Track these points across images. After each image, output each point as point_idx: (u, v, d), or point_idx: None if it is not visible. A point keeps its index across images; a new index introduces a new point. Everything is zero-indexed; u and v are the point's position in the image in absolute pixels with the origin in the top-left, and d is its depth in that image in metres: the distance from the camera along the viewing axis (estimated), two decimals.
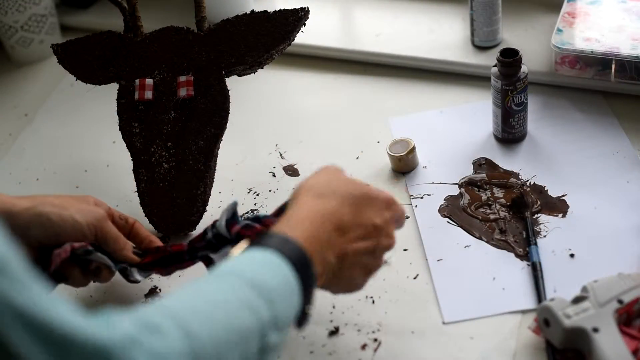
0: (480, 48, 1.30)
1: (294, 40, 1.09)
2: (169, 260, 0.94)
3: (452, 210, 1.07)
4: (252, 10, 1.09)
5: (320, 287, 0.80)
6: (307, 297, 0.75)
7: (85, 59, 1.16)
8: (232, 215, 0.89)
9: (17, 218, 0.88)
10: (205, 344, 0.63)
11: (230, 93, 1.09)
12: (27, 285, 0.56)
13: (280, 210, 0.87)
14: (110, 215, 0.97)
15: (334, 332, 0.94)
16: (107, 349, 0.57)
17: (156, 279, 1.04)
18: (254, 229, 0.86)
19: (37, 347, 0.55)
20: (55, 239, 0.91)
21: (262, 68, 1.11)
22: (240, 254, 0.76)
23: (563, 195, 1.07)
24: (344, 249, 0.80)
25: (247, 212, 1.12)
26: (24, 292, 0.55)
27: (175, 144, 1.08)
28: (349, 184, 0.85)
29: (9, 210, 0.88)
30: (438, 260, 1.01)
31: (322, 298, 0.98)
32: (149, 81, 1.10)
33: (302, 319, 0.76)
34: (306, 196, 0.82)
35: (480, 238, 1.03)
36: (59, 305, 0.58)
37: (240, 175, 1.18)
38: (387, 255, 1.02)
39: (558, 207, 1.05)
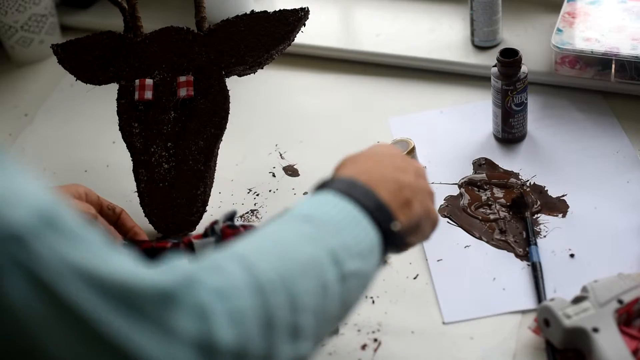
0: (480, 48, 1.30)
1: (294, 40, 1.09)
2: (151, 255, 0.94)
3: (452, 210, 1.07)
4: (252, 11, 1.09)
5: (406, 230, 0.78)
6: (383, 217, 0.73)
7: (85, 59, 1.16)
8: (229, 219, 0.90)
9: None
10: (268, 274, 0.62)
11: (230, 93, 1.09)
12: (82, 238, 0.55)
13: None
14: (98, 206, 0.96)
15: (334, 332, 0.94)
16: (169, 290, 0.56)
17: None
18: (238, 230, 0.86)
19: (100, 301, 0.54)
20: None
21: (262, 68, 1.11)
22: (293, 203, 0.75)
23: (563, 195, 1.07)
24: (399, 178, 0.78)
25: (247, 212, 1.12)
26: (79, 246, 0.54)
27: (175, 144, 1.08)
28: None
29: None
30: (438, 261, 1.01)
31: None
32: (148, 81, 1.10)
33: (392, 240, 0.74)
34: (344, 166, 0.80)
35: (480, 238, 1.03)
36: (117, 255, 0.57)
37: (240, 176, 1.18)
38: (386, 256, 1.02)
39: (558, 207, 1.05)
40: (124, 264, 0.56)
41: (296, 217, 0.70)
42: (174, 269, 0.59)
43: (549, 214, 1.04)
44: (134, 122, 1.11)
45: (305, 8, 1.08)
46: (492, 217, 1.05)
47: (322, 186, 0.75)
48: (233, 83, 1.10)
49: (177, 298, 0.57)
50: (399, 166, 0.79)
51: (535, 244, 1.00)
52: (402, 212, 0.75)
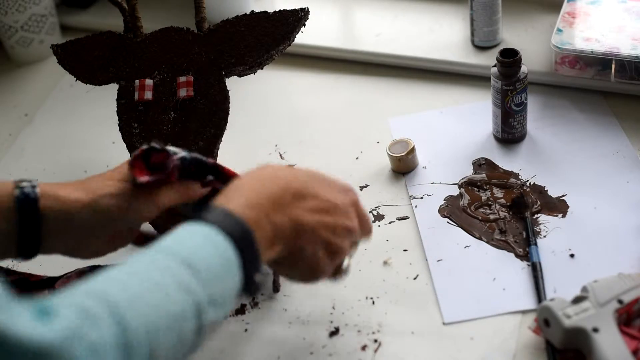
0: (480, 48, 1.30)
1: (293, 40, 1.09)
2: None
3: (452, 210, 1.07)
4: (252, 11, 1.09)
5: (279, 263, 0.79)
6: (252, 266, 0.72)
7: (85, 60, 1.16)
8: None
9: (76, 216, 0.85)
10: (138, 331, 0.62)
11: (230, 93, 1.09)
12: None
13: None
14: None
15: (334, 332, 0.94)
16: (49, 347, 0.57)
17: None
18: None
19: None
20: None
21: (262, 68, 1.11)
22: (177, 231, 0.72)
23: (563, 195, 1.07)
24: (298, 215, 0.78)
25: None
26: None
27: (175, 144, 1.08)
28: (306, 170, 0.84)
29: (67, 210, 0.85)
30: (438, 261, 1.01)
31: (322, 299, 0.98)
32: (148, 82, 1.10)
33: (251, 287, 0.73)
34: (245, 176, 0.80)
35: (480, 238, 1.03)
36: (11, 309, 0.58)
37: None
38: (386, 256, 1.02)
39: (558, 207, 1.05)
40: (12, 318, 0.57)
41: (177, 258, 0.68)
42: (55, 320, 0.59)
43: (549, 214, 1.04)
44: (133, 123, 1.11)
45: (305, 8, 1.08)
46: (492, 217, 1.05)
47: (205, 214, 0.73)
48: (233, 83, 1.10)
49: (55, 355, 0.58)
50: (298, 191, 0.79)
51: (535, 244, 1.00)
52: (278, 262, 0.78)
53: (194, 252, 0.69)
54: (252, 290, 0.74)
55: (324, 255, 0.80)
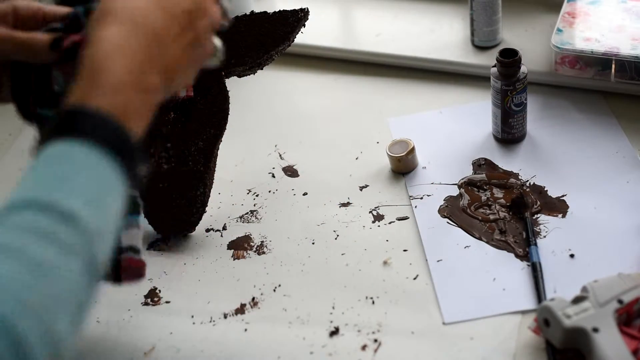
0: (480, 48, 1.30)
1: (293, 41, 1.09)
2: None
3: (451, 210, 1.07)
4: (252, 11, 1.10)
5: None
6: (133, 164, 0.63)
7: None
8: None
9: None
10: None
11: (230, 94, 1.09)
12: None
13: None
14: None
15: (334, 332, 0.94)
16: None
17: (156, 279, 1.04)
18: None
19: None
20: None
21: (262, 69, 1.11)
22: (44, 162, 0.61)
23: (563, 196, 1.07)
24: (166, 64, 0.69)
25: (247, 213, 1.12)
26: None
27: (174, 144, 1.08)
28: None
29: None
30: (438, 261, 1.01)
31: (322, 299, 0.98)
32: None
33: (135, 182, 0.64)
34: (99, 24, 0.66)
35: (480, 238, 1.03)
36: None
37: (240, 176, 1.18)
38: (386, 256, 1.02)
39: (558, 207, 1.05)
40: None
41: (53, 214, 0.57)
42: None
43: (549, 214, 1.04)
44: None
45: (305, 9, 1.08)
46: (492, 217, 1.05)
47: (74, 123, 0.61)
48: (233, 83, 1.11)
49: None
50: (158, 35, 0.68)
51: (535, 244, 1.00)
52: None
53: (69, 194, 0.58)
54: (137, 183, 0.65)
55: (196, 65, 0.75)
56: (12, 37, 0.78)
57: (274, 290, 1.01)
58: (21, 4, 0.81)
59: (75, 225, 0.58)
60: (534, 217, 1.04)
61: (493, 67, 1.12)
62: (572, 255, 0.99)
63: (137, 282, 0.87)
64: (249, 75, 1.11)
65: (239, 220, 1.11)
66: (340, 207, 1.11)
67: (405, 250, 1.03)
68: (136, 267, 0.86)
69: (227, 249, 1.08)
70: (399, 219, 1.08)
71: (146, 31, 0.67)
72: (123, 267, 0.85)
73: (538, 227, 1.03)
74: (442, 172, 1.13)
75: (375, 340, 0.93)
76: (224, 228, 1.10)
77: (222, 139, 1.08)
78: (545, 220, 1.04)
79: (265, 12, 1.08)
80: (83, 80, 0.63)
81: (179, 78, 0.73)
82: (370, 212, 1.09)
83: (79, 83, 0.63)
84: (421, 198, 1.10)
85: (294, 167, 1.18)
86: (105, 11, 0.67)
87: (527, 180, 1.10)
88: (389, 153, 1.13)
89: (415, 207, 1.08)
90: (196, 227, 1.09)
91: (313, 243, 1.06)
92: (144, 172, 0.65)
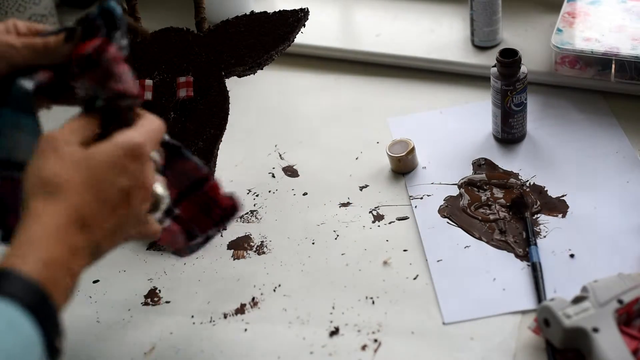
0: (480, 48, 1.30)
1: (293, 41, 1.09)
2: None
3: (451, 210, 1.07)
4: (252, 11, 1.10)
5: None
6: (54, 333, 0.66)
7: None
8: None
9: None
10: None
11: (230, 94, 1.09)
12: None
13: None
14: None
15: (334, 332, 0.94)
16: None
17: (156, 279, 1.04)
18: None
19: None
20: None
21: (262, 69, 1.11)
22: None
23: (563, 196, 1.07)
24: (96, 242, 0.71)
25: (247, 213, 1.12)
26: None
27: None
28: (78, 159, 0.71)
29: None
30: (438, 261, 1.01)
31: (322, 299, 0.98)
32: (148, 82, 1.10)
33: (53, 353, 0.66)
34: (36, 200, 0.69)
35: (480, 238, 1.03)
36: None
37: (240, 176, 1.18)
38: (386, 256, 1.02)
39: (558, 207, 1.05)
40: None
41: None
42: None
43: (549, 214, 1.04)
44: None
45: (305, 9, 1.08)
46: (492, 217, 1.05)
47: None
48: (233, 84, 1.11)
49: None
50: (87, 218, 0.70)
51: (535, 244, 1.00)
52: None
53: None
54: (55, 355, 0.67)
55: (131, 233, 0.76)
56: (30, 42, 0.80)
57: (274, 290, 1.01)
58: (18, 21, 0.84)
59: None
60: (534, 217, 1.04)
61: (493, 67, 1.12)
62: (572, 255, 0.99)
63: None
64: (249, 75, 1.11)
65: (239, 220, 1.11)
66: (340, 207, 1.11)
67: (405, 250, 1.03)
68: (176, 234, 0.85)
69: (227, 249, 1.08)
70: (399, 219, 1.08)
71: (78, 216, 0.69)
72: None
73: (538, 227, 1.03)
74: (442, 172, 1.13)
75: (375, 340, 0.93)
76: (224, 228, 1.10)
77: (222, 139, 1.08)
78: (545, 220, 1.04)
79: (265, 12, 1.08)
80: (19, 247, 0.67)
81: (112, 247, 0.74)
82: (370, 212, 1.09)
83: (12, 247, 0.67)
84: (421, 198, 1.10)
85: (294, 167, 1.18)
86: (47, 182, 0.70)
87: (527, 180, 1.10)
88: (389, 153, 1.13)
89: (415, 207, 1.08)
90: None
91: (313, 243, 1.06)
92: (60, 344, 0.67)
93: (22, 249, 0.67)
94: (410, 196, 1.10)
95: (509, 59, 1.09)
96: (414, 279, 1.00)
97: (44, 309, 0.65)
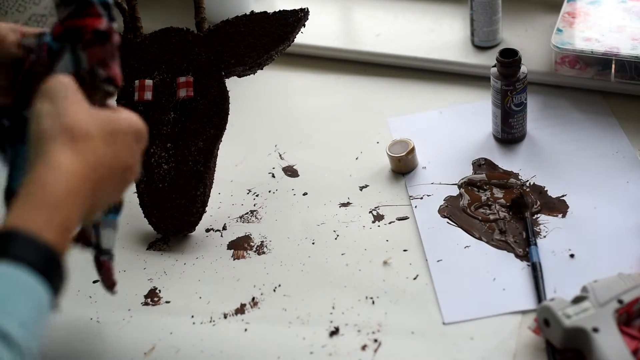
0: (480, 48, 1.30)
1: (293, 41, 1.09)
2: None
3: (451, 210, 1.07)
4: (252, 11, 1.10)
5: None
6: (60, 286, 0.65)
7: None
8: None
9: None
10: None
11: (229, 94, 1.09)
12: None
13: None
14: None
15: (334, 332, 0.94)
16: None
17: (156, 279, 1.04)
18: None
19: None
20: None
21: (262, 69, 1.11)
22: None
23: (563, 196, 1.07)
24: (94, 205, 0.69)
25: (247, 213, 1.12)
26: None
27: (174, 145, 1.08)
28: (102, 117, 0.70)
29: None
30: (438, 261, 1.01)
31: (322, 299, 0.98)
32: (148, 82, 1.10)
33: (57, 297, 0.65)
34: (56, 145, 0.65)
35: (480, 238, 1.03)
36: None
37: (240, 176, 1.18)
38: (386, 256, 1.02)
39: (558, 207, 1.05)
40: None
41: None
42: None
43: (549, 214, 1.04)
44: None
45: (305, 9, 1.08)
46: (492, 217, 1.05)
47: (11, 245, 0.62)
48: (233, 84, 1.11)
49: None
50: (100, 180, 0.68)
51: (535, 244, 1.00)
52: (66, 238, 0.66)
53: (7, 315, 0.60)
54: (59, 297, 0.66)
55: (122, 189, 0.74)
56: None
57: (274, 290, 1.01)
58: (12, 25, 0.83)
59: (11, 346, 0.59)
60: (534, 217, 1.04)
61: (493, 67, 1.12)
62: (572, 255, 0.99)
63: (110, 290, 0.87)
64: (249, 75, 1.11)
65: (239, 220, 1.11)
66: (340, 207, 1.11)
67: (405, 250, 1.03)
68: (111, 273, 0.86)
69: (227, 249, 1.08)
70: (399, 219, 1.08)
71: (96, 174, 0.67)
72: (105, 269, 0.85)
73: (538, 227, 1.03)
74: (442, 172, 1.13)
75: (375, 340, 0.93)
76: (224, 228, 1.10)
77: (222, 139, 1.08)
78: (545, 220, 1.04)
79: (265, 12, 1.08)
80: (26, 198, 0.64)
81: (95, 217, 0.74)
82: (370, 212, 1.09)
83: (21, 200, 0.64)
84: (421, 198, 1.10)
85: (294, 167, 1.18)
86: (72, 127, 0.67)
87: (527, 180, 1.10)
88: (389, 153, 1.13)
89: (415, 207, 1.08)
90: (196, 227, 1.09)
91: (313, 243, 1.06)
92: (64, 288, 0.66)
93: (36, 201, 0.63)
94: (410, 196, 1.10)
95: (509, 59, 1.09)
96: (414, 279, 1.00)
97: (56, 272, 0.64)
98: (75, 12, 0.76)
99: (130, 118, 0.73)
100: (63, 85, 0.69)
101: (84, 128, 0.67)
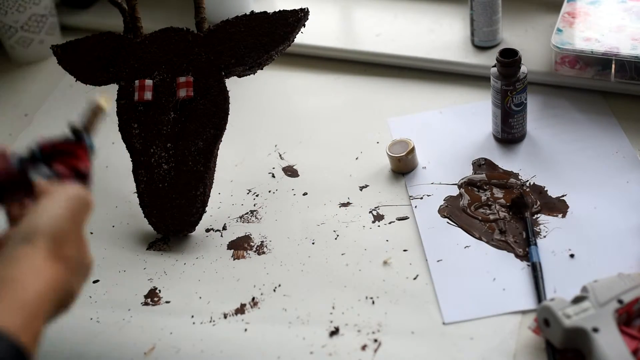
0: (480, 48, 1.30)
1: (293, 41, 1.09)
2: None
3: (451, 210, 1.07)
4: (252, 11, 1.10)
5: None
6: None
7: (85, 60, 1.16)
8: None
9: None
10: None
11: (229, 94, 1.09)
12: None
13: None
14: None
15: (334, 332, 0.94)
16: None
17: (156, 279, 1.04)
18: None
19: None
20: None
21: (262, 69, 1.11)
22: None
23: (563, 196, 1.07)
24: (68, 274, 0.69)
25: (247, 213, 1.12)
26: None
27: (174, 145, 1.08)
28: (82, 245, 0.72)
29: None
30: (438, 261, 1.01)
31: (322, 299, 0.98)
32: (148, 82, 1.10)
33: None
34: (38, 250, 0.67)
35: (480, 238, 1.03)
36: None
37: (240, 176, 1.18)
38: (386, 256, 1.02)
39: (558, 207, 1.05)
40: None
41: None
42: None
43: (549, 214, 1.04)
44: (133, 123, 1.11)
45: (305, 9, 1.08)
46: (492, 217, 1.05)
47: None
48: (233, 84, 1.11)
49: None
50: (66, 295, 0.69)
51: (535, 244, 1.00)
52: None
53: None
54: None
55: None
56: None
57: (274, 290, 1.01)
58: None
59: None
60: (534, 217, 1.04)
61: (493, 67, 1.12)
62: (572, 255, 0.99)
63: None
64: (249, 75, 1.11)
65: (239, 220, 1.11)
66: (340, 207, 1.11)
67: (405, 250, 1.03)
68: None
69: (227, 249, 1.08)
70: (399, 219, 1.08)
71: (63, 292, 0.68)
72: None
73: (538, 227, 1.03)
74: (442, 172, 1.13)
75: (375, 340, 0.93)
76: (224, 228, 1.10)
77: (222, 139, 1.08)
78: (545, 220, 1.04)
79: (265, 12, 1.08)
80: (6, 295, 0.64)
81: (79, 287, 0.73)
82: (370, 212, 1.09)
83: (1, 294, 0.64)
84: (421, 198, 1.10)
85: (294, 167, 1.18)
86: (55, 236, 0.68)
87: (527, 180, 1.10)
88: (389, 153, 1.13)
89: (415, 207, 1.08)
90: (196, 227, 1.09)
91: (313, 243, 1.06)
92: None
93: (15, 302, 0.64)
94: (410, 196, 1.10)
95: (509, 59, 1.09)
96: (414, 279, 1.00)
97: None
98: (67, 140, 0.79)
99: (75, 192, 0.73)
100: (83, 201, 0.72)
101: (67, 251, 0.69)
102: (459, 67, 1.29)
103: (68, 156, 0.79)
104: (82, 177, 0.78)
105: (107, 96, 0.81)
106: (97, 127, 0.80)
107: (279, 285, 1.01)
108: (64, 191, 0.72)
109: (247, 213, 1.12)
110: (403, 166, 1.13)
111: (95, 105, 0.81)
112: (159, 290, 1.03)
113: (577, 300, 0.87)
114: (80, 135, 0.80)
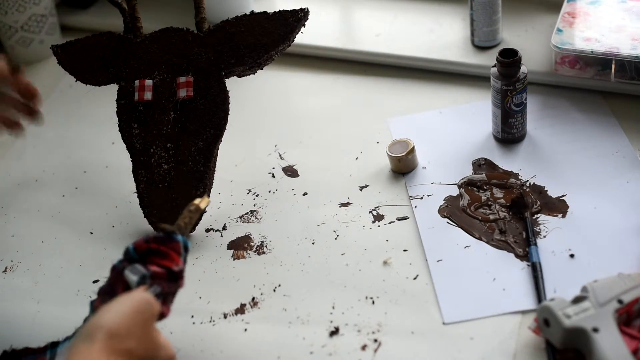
0: (480, 48, 1.30)
1: (293, 41, 1.09)
2: None
3: (451, 210, 1.07)
4: (252, 11, 1.10)
5: None
6: None
7: (85, 60, 1.16)
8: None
9: None
10: None
11: (229, 94, 1.09)
12: None
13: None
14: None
15: (334, 332, 0.94)
16: None
17: None
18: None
19: None
20: None
21: (262, 69, 1.11)
22: None
23: (563, 196, 1.07)
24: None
25: (247, 213, 1.12)
26: None
27: (174, 145, 1.08)
28: (149, 342, 0.77)
29: None
30: (438, 261, 1.01)
31: (322, 299, 0.98)
32: (148, 82, 1.10)
33: None
34: (95, 346, 0.72)
35: (480, 238, 1.03)
36: None
37: (240, 176, 1.18)
38: (386, 256, 1.02)
39: (558, 207, 1.05)
40: None
41: None
42: None
43: (549, 214, 1.04)
44: (133, 123, 1.11)
45: (305, 9, 1.08)
46: (492, 217, 1.05)
47: None
48: (232, 84, 1.11)
49: None
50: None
51: (535, 244, 1.00)
52: None
53: None
54: None
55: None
56: None
57: (274, 290, 1.01)
58: None
59: None
60: (534, 217, 1.04)
61: (493, 67, 1.12)
62: (572, 255, 0.99)
63: None
64: (249, 75, 1.11)
65: (239, 220, 1.11)
66: (340, 207, 1.11)
67: (405, 250, 1.03)
68: None
69: (227, 249, 1.08)
70: (399, 219, 1.08)
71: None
72: None
73: (538, 227, 1.03)
74: (442, 172, 1.13)
75: (375, 340, 0.93)
76: (224, 228, 1.10)
77: (222, 139, 1.08)
78: (545, 220, 1.04)
79: (265, 12, 1.08)
80: None
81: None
82: (370, 212, 1.09)
83: None
84: (421, 198, 1.10)
85: (294, 167, 1.18)
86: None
87: (527, 180, 1.10)
88: (389, 153, 1.13)
89: (415, 207, 1.08)
90: (196, 227, 1.09)
91: (313, 243, 1.06)
92: None
93: None
94: (410, 196, 1.10)
95: (509, 59, 1.09)
96: (414, 279, 1.00)
97: None
98: (162, 239, 0.84)
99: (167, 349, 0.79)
100: (147, 302, 0.78)
101: (127, 346, 0.74)
102: (459, 67, 1.29)
103: (161, 257, 0.83)
104: (174, 277, 0.83)
105: (207, 199, 0.88)
106: (193, 226, 0.86)
107: (279, 285, 1.01)
108: (129, 294, 0.78)
109: (247, 213, 1.12)
110: (403, 166, 1.13)
111: (194, 206, 0.87)
112: None
113: (577, 300, 0.87)
114: (174, 237, 0.84)
